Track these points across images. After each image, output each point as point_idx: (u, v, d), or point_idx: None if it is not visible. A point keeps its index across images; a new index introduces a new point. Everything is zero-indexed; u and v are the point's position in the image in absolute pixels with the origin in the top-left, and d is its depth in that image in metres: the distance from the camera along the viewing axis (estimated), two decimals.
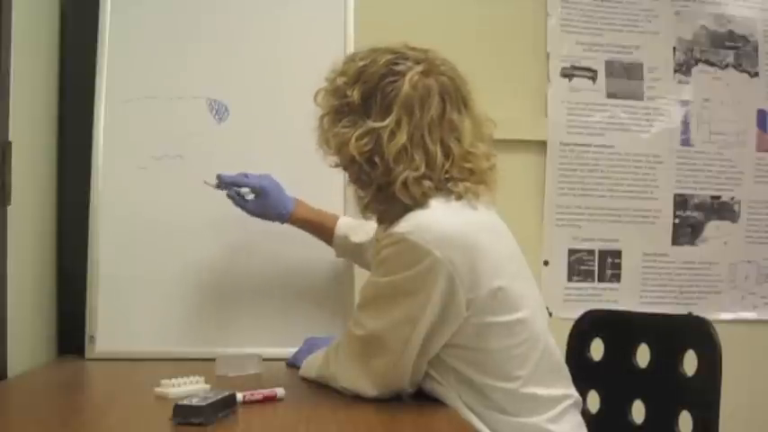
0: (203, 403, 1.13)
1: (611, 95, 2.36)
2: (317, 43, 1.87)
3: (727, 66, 2.43)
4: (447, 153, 1.36)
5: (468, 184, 1.36)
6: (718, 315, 2.35)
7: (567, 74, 2.34)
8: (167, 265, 1.80)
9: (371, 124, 1.35)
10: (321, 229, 1.78)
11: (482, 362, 1.33)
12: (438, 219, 1.31)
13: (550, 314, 1.72)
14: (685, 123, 2.40)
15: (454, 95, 1.38)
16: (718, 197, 2.42)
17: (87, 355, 1.75)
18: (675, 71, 2.40)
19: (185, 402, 1.14)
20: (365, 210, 1.45)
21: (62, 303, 1.84)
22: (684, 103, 2.40)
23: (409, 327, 1.30)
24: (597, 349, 1.68)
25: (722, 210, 2.42)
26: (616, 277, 2.36)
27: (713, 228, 2.41)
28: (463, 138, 1.37)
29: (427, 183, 1.34)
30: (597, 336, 1.68)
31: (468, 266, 1.29)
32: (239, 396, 1.26)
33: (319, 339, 1.64)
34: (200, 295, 1.79)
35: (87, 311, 1.76)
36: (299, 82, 1.76)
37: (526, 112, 2.32)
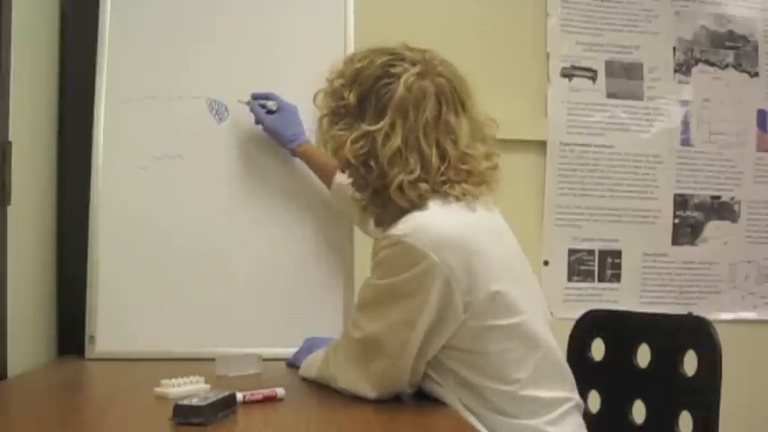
0: (203, 403, 1.13)
1: (611, 95, 2.36)
2: (316, 44, 1.87)
3: (727, 66, 2.43)
4: (443, 155, 1.35)
5: (465, 186, 1.36)
6: (718, 315, 2.35)
7: (567, 74, 2.34)
8: (167, 265, 1.79)
9: (366, 127, 1.35)
10: (324, 170, 1.80)
11: (481, 364, 1.33)
12: (435, 221, 1.31)
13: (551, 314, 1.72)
14: (685, 123, 2.40)
15: (451, 97, 1.37)
16: (718, 197, 2.42)
17: (87, 355, 1.75)
18: (675, 71, 2.40)
19: (185, 402, 1.14)
20: (363, 212, 1.45)
21: (62, 303, 1.84)
22: (684, 103, 2.40)
23: (407, 329, 1.30)
24: (598, 349, 1.68)
25: (722, 210, 2.42)
26: (616, 277, 2.36)
27: (713, 228, 2.41)
28: (460, 139, 1.36)
29: (423, 185, 1.34)
30: (598, 336, 1.68)
31: (465, 269, 1.28)
32: (239, 396, 1.26)
33: (319, 340, 1.64)
34: (200, 295, 1.79)
35: (87, 311, 1.76)
36: (298, 82, 1.77)
37: (526, 112, 2.33)
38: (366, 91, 1.37)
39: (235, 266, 1.82)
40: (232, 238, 1.82)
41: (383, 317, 1.33)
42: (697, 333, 1.45)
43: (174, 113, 1.83)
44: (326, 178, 1.81)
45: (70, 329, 1.79)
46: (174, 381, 1.34)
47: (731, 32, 2.43)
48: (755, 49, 2.44)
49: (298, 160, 1.84)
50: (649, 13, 2.39)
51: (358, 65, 1.39)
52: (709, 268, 2.41)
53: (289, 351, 1.70)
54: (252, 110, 1.81)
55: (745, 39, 2.44)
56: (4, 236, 1.50)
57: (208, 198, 1.83)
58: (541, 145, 2.32)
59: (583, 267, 2.35)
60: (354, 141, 1.36)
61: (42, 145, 1.80)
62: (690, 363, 1.46)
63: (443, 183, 1.35)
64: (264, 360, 1.61)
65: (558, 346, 1.42)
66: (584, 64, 2.35)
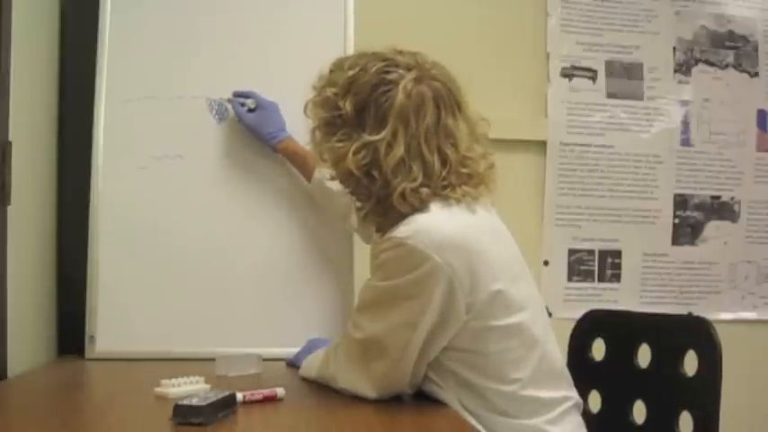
0: (203, 403, 1.13)
1: (611, 95, 2.36)
2: (316, 43, 1.87)
3: (727, 66, 2.43)
4: (444, 160, 1.35)
5: (465, 188, 1.35)
6: (718, 315, 2.35)
7: (567, 74, 2.34)
8: (167, 265, 1.79)
9: (367, 138, 1.33)
10: (304, 165, 1.80)
11: (481, 365, 1.33)
12: (437, 223, 1.31)
13: (550, 315, 1.72)
14: (685, 123, 2.40)
15: (448, 100, 1.36)
16: (718, 197, 2.42)
17: (87, 355, 1.75)
18: (675, 71, 2.40)
19: (185, 402, 1.14)
20: (364, 219, 1.44)
21: (62, 303, 1.84)
22: (684, 103, 2.40)
23: (409, 331, 1.30)
24: (598, 349, 1.68)
25: (722, 210, 2.42)
26: (616, 277, 2.36)
27: (713, 228, 2.41)
28: (459, 142, 1.36)
29: (425, 191, 1.33)
30: (598, 336, 1.68)
31: (468, 270, 1.28)
32: (239, 396, 1.26)
33: (321, 341, 1.64)
34: (201, 295, 1.79)
35: (87, 311, 1.76)
36: (298, 82, 1.74)
37: (526, 112, 2.32)
38: (364, 100, 1.35)
39: (235, 266, 1.82)
40: (232, 238, 1.82)
41: (385, 318, 1.33)
42: (697, 333, 1.45)
43: (174, 113, 1.83)
44: (306, 173, 1.81)
45: (70, 329, 1.79)
46: (174, 381, 1.34)
47: (731, 32, 2.43)
48: (755, 49, 2.44)
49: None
50: (649, 13, 2.39)
51: (350, 72, 1.37)
52: (709, 268, 2.41)
53: (289, 351, 1.70)
54: (233, 107, 1.82)
55: (745, 39, 2.44)
56: (4, 236, 1.50)
57: (208, 198, 1.83)
58: (541, 145, 2.32)
59: (583, 267, 2.35)
60: (356, 152, 1.34)
61: (42, 145, 1.80)
62: (690, 363, 1.45)
63: (444, 187, 1.35)
64: (264, 360, 1.61)
65: (556, 346, 1.42)
66: (585, 64, 2.35)
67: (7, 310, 1.49)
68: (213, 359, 1.57)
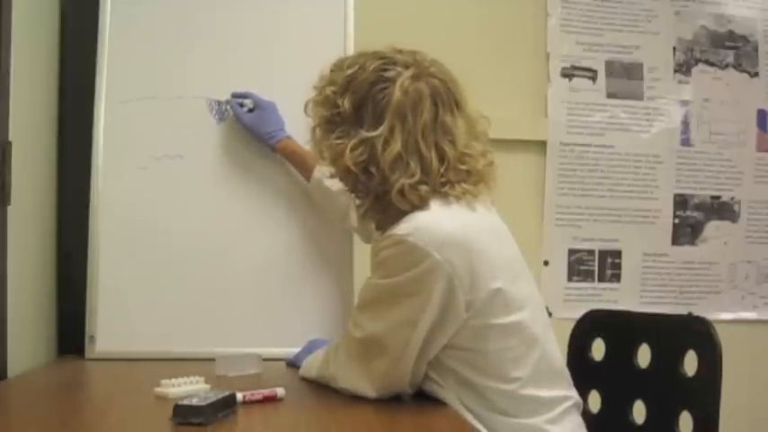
0: (203, 403, 1.13)
1: (611, 95, 2.36)
2: (317, 42, 1.87)
3: (727, 66, 2.43)
4: (442, 157, 1.35)
5: (465, 186, 1.36)
6: (718, 315, 2.35)
7: (567, 74, 2.34)
8: (167, 265, 1.79)
9: (365, 134, 1.34)
10: (303, 164, 1.80)
11: (480, 363, 1.33)
12: (437, 220, 1.31)
13: (550, 314, 1.72)
14: (685, 123, 2.40)
15: (446, 97, 1.37)
16: (718, 197, 2.42)
17: (87, 355, 1.75)
18: (675, 71, 2.40)
19: (185, 402, 1.14)
20: (363, 217, 1.45)
21: (62, 303, 1.84)
22: (684, 103, 2.40)
23: (409, 328, 1.30)
24: (598, 349, 1.68)
25: (722, 210, 2.42)
26: (616, 277, 2.36)
27: (713, 228, 2.41)
28: (457, 139, 1.36)
29: (423, 188, 1.33)
30: (598, 336, 1.68)
31: (468, 268, 1.29)
32: (239, 396, 1.26)
33: (321, 341, 1.63)
34: (200, 295, 1.79)
35: (87, 311, 1.76)
36: (298, 81, 1.74)
37: (526, 112, 2.32)
38: (361, 97, 1.36)
39: (235, 266, 1.82)
40: (232, 238, 1.82)
41: (385, 316, 1.33)
42: (697, 333, 1.45)
43: (174, 113, 1.83)
44: (305, 173, 1.81)
45: (70, 329, 1.79)
46: (174, 381, 1.34)
47: (731, 32, 2.43)
48: (755, 49, 2.44)
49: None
50: (649, 13, 2.39)
51: (349, 71, 1.38)
52: (709, 268, 2.41)
53: (289, 351, 1.70)
54: (231, 108, 1.83)
55: (745, 39, 2.44)
56: (4, 236, 1.50)
57: (208, 198, 1.83)
58: (541, 145, 2.32)
59: (583, 267, 2.35)
60: (353, 149, 1.35)
61: (42, 145, 1.80)
62: (690, 363, 1.46)
63: (443, 184, 1.35)
64: (264, 360, 1.61)
65: (556, 346, 1.43)
66: (584, 64, 2.35)
67: (7, 310, 1.49)
68: (213, 359, 1.57)
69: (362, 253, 1.74)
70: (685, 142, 2.40)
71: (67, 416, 1.26)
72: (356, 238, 1.85)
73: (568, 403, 1.39)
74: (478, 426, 1.30)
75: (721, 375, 1.39)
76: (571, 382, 1.44)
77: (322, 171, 1.73)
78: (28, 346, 1.64)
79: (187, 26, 1.87)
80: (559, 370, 1.42)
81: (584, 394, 1.56)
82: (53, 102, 1.86)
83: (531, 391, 1.34)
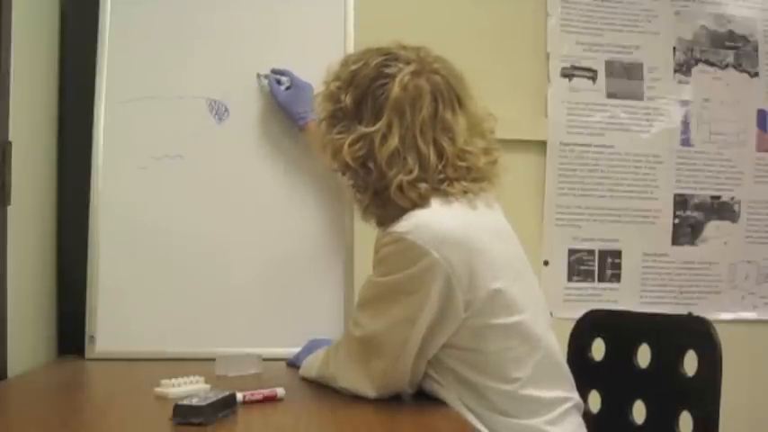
0: (203, 403, 1.13)
1: (611, 95, 2.36)
2: (317, 42, 1.87)
3: (727, 66, 2.43)
4: (440, 153, 1.35)
5: (465, 184, 1.36)
6: (718, 315, 2.35)
7: (567, 74, 2.34)
8: (167, 265, 1.79)
9: (363, 129, 1.35)
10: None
11: (480, 363, 1.33)
12: (437, 219, 1.31)
13: (550, 314, 1.72)
14: (685, 123, 2.40)
15: (447, 94, 1.37)
16: (718, 197, 2.42)
17: (87, 355, 1.75)
18: (675, 71, 2.40)
19: (185, 402, 1.14)
20: (364, 213, 1.45)
21: (62, 303, 1.84)
22: (684, 103, 2.40)
23: (408, 327, 1.30)
24: (598, 349, 1.68)
25: (722, 210, 2.42)
26: (616, 277, 2.36)
27: (713, 228, 2.41)
28: (457, 136, 1.36)
29: (423, 185, 1.34)
30: (598, 336, 1.68)
31: (466, 267, 1.28)
32: (239, 396, 1.26)
33: (322, 341, 1.63)
34: (200, 295, 1.79)
35: (87, 311, 1.76)
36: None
37: (526, 112, 2.32)
38: (362, 93, 1.37)
39: (235, 266, 1.82)
40: (232, 238, 1.82)
41: (384, 314, 1.33)
42: (697, 333, 1.45)
43: (174, 113, 1.83)
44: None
45: (70, 329, 1.79)
46: (174, 381, 1.34)
47: (731, 32, 2.43)
48: (755, 49, 2.44)
49: (297, 160, 1.84)
50: (649, 13, 2.39)
51: (353, 67, 1.39)
52: (709, 268, 2.41)
53: (289, 351, 1.70)
54: (269, 83, 1.83)
55: (745, 39, 2.44)
56: (4, 236, 1.50)
57: (208, 198, 1.83)
58: (541, 145, 2.32)
59: (583, 267, 2.35)
60: (352, 144, 1.36)
61: (42, 145, 1.80)
62: (690, 363, 1.46)
63: (442, 181, 1.35)
64: (264, 360, 1.61)
65: (557, 346, 1.42)
66: (585, 64, 2.35)
67: (7, 310, 1.49)
68: (213, 359, 1.57)
69: (363, 252, 1.74)
70: (685, 142, 2.40)
71: (67, 416, 1.27)
72: (357, 238, 1.85)
73: (569, 404, 1.39)
74: (479, 426, 1.30)
75: (721, 375, 1.39)
76: (573, 383, 1.43)
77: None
78: (28, 346, 1.64)
79: (187, 26, 1.87)
80: (560, 370, 1.42)
81: (584, 394, 1.56)
82: (53, 102, 1.86)
83: (531, 392, 1.34)
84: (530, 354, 1.35)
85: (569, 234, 2.34)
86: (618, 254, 2.37)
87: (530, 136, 2.30)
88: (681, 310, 2.30)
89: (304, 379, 1.52)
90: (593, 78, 2.35)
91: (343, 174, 1.44)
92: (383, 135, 1.34)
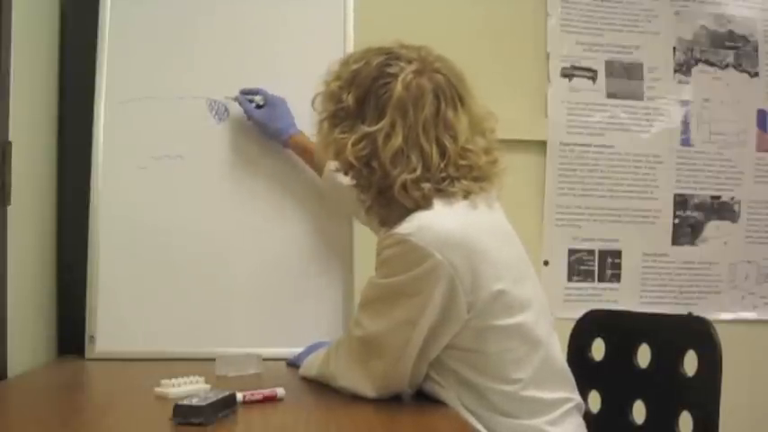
0: (203, 403, 1.13)
1: (611, 95, 2.36)
2: (316, 42, 1.87)
3: (727, 66, 2.43)
4: (442, 152, 1.35)
5: (466, 183, 1.35)
6: (718, 315, 2.35)
7: (567, 74, 2.34)
8: (167, 265, 1.79)
9: (366, 129, 1.35)
10: (314, 160, 1.80)
11: (481, 364, 1.33)
12: (440, 220, 1.31)
13: None
14: (685, 123, 2.40)
15: (449, 92, 1.37)
16: (718, 197, 2.42)
17: (87, 355, 1.75)
18: (675, 71, 2.40)
19: (185, 402, 1.14)
20: (368, 213, 1.45)
21: (62, 303, 1.84)
22: (684, 103, 2.40)
23: (409, 328, 1.30)
24: (598, 349, 1.68)
25: (722, 210, 2.42)
26: (616, 277, 2.36)
27: (713, 228, 2.41)
28: (459, 135, 1.36)
29: (426, 185, 1.33)
30: (598, 336, 1.68)
31: (469, 269, 1.28)
32: (239, 396, 1.26)
33: (324, 344, 1.63)
34: (200, 295, 1.79)
35: (87, 311, 1.76)
36: (298, 81, 1.76)
37: (526, 112, 2.32)
38: (364, 92, 1.36)
39: (235, 266, 1.82)
40: (232, 238, 1.82)
41: (386, 315, 1.33)
42: (697, 333, 1.45)
43: (174, 113, 1.83)
44: (318, 168, 1.81)
45: (70, 329, 1.79)
46: (174, 381, 1.34)
47: (731, 32, 2.43)
48: (755, 49, 2.44)
49: (297, 160, 1.84)
50: (649, 13, 2.39)
51: (354, 66, 1.39)
52: (709, 268, 2.41)
53: (289, 351, 1.70)
54: (241, 104, 1.82)
55: (745, 39, 2.44)
56: (4, 236, 1.50)
57: (208, 198, 1.83)
58: (541, 145, 2.32)
59: (583, 267, 2.35)
60: (355, 143, 1.35)
61: (42, 145, 1.80)
62: (690, 363, 1.46)
63: (443, 179, 1.35)
64: (264, 360, 1.61)
65: (559, 347, 1.42)
66: (584, 64, 2.35)
67: (7, 310, 1.50)
68: (213, 359, 1.57)
69: (364, 253, 1.74)
70: (685, 142, 2.40)
71: (67, 416, 1.26)
72: (358, 239, 1.85)
73: (570, 405, 1.39)
74: (479, 426, 1.30)
75: (721, 375, 1.39)
76: (574, 384, 1.43)
77: (333, 164, 1.74)
78: (28, 346, 1.64)
79: (187, 26, 1.87)
80: (561, 372, 1.42)
81: (584, 394, 1.56)
82: (53, 102, 1.86)
83: (532, 393, 1.34)
84: (531, 355, 1.34)
85: (569, 234, 2.34)
86: (618, 254, 2.37)
87: (530, 136, 2.30)
88: (681, 310, 2.30)
89: (304, 378, 1.52)
90: (593, 78, 2.35)
91: (346, 173, 1.43)
92: (387, 134, 1.33)
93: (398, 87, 1.34)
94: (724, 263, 2.41)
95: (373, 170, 1.36)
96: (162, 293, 1.78)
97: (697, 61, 2.41)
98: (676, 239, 2.39)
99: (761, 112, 2.44)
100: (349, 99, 1.37)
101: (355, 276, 1.83)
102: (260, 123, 1.81)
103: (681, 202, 2.40)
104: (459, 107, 1.38)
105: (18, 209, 1.53)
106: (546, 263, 2.32)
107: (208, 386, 1.36)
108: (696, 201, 2.40)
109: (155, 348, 1.74)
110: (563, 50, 2.34)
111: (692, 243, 2.40)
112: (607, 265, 2.36)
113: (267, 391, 1.31)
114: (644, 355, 1.58)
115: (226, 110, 1.85)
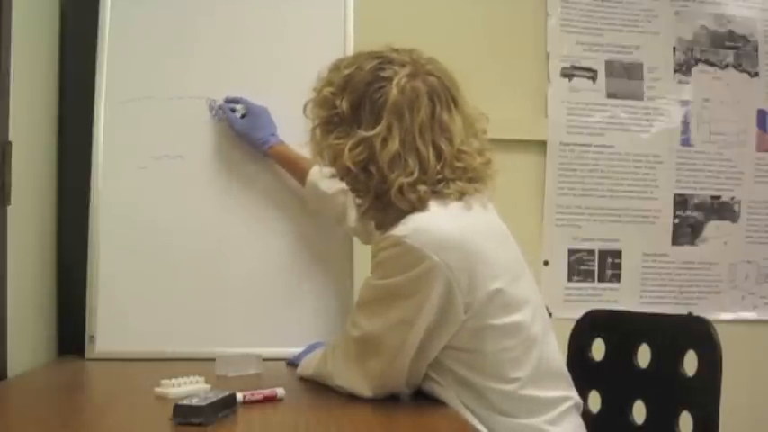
0: (203, 403, 1.13)
1: (611, 95, 2.36)
2: (316, 43, 1.87)
3: (727, 66, 2.43)
4: (439, 154, 1.35)
5: (461, 184, 1.36)
6: (718, 315, 2.35)
7: (567, 74, 2.34)
8: (167, 265, 1.79)
9: (363, 133, 1.34)
10: (296, 168, 1.81)
11: (479, 363, 1.33)
12: (436, 222, 1.31)
13: (550, 314, 1.72)
14: (685, 123, 2.40)
15: (443, 95, 1.37)
16: (718, 197, 2.42)
17: (87, 355, 1.75)
18: (675, 71, 2.40)
19: (185, 402, 1.14)
20: (364, 216, 1.45)
21: (62, 303, 1.84)
22: (684, 103, 2.40)
23: (405, 328, 1.30)
24: (598, 349, 1.68)
25: (722, 210, 2.42)
26: (616, 277, 2.36)
27: (713, 228, 2.41)
28: (454, 137, 1.36)
29: (422, 187, 1.33)
30: (598, 336, 1.68)
31: (466, 270, 1.28)
32: (239, 396, 1.26)
33: (324, 343, 1.63)
34: (201, 295, 1.79)
35: (87, 311, 1.76)
36: (298, 81, 1.74)
37: (526, 112, 2.33)
38: (359, 97, 1.36)
39: (235, 266, 1.82)
40: (232, 238, 1.82)
41: (382, 316, 1.33)
42: (697, 333, 1.45)
43: (174, 113, 1.83)
44: (299, 177, 1.81)
45: (70, 329, 1.79)
46: (174, 381, 1.34)
47: (731, 32, 2.43)
48: (755, 49, 2.44)
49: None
50: (649, 13, 2.39)
51: (346, 72, 1.38)
52: (710, 268, 2.41)
53: (289, 351, 1.70)
54: (224, 112, 1.83)
55: (745, 39, 2.44)
56: (4, 236, 1.50)
57: (208, 198, 1.83)
58: (541, 145, 2.32)
59: (583, 267, 2.35)
60: (352, 148, 1.35)
61: (42, 145, 1.80)
62: (690, 363, 1.45)
63: (439, 182, 1.35)
64: (264, 360, 1.61)
65: (556, 346, 1.42)
66: (585, 64, 2.35)
67: (7, 310, 1.50)
68: (213, 359, 1.57)
69: (362, 253, 1.74)
70: (685, 142, 2.40)
71: (67, 416, 1.26)
72: (357, 239, 1.85)
73: (568, 404, 1.39)
74: (478, 426, 1.30)
75: (721, 375, 1.39)
76: (571, 382, 1.44)
77: (316, 175, 1.74)
78: (28, 346, 1.64)
79: (187, 26, 1.87)
80: (559, 370, 1.42)
81: (584, 394, 1.56)
82: (53, 102, 1.86)
83: (530, 392, 1.34)
84: (528, 353, 1.35)
85: (569, 234, 2.34)
86: (618, 254, 2.37)
87: (530, 136, 2.31)
88: (681, 310, 2.31)
89: (302, 378, 1.52)
90: (593, 78, 2.35)
91: (342, 179, 1.43)
92: (383, 138, 1.33)
93: (393, 91, 1.34)
94: (724, 263, 2.41)
95: (371, 175, 1.35)
96: (162, 293, 1.78)
97: (697, 61, 2.41)
98: (676, 239, 2.39)
99: (761, 112, 2.44)
100: (343, 104, 1.36)
101: (355, 276, 1.83)
102: (241, 133, 1.82)
103: (681, 202, 2.40)
104: (453, 109, 1.38)
105: (18, 209, 1.53)
106: (546, 263, 2.32)
107: (208, 386, 1.36)
108: (696, 201, 2.40)
109: (155, 348, 1.74)
110: (563, 50, 2.34)
111: (692, 243, 2.40)
112: (607, 265, 2.36)
113: (267, 391, 1.31)
114: (644, 355, 1.58)
115: (220, 111, 1.85)
